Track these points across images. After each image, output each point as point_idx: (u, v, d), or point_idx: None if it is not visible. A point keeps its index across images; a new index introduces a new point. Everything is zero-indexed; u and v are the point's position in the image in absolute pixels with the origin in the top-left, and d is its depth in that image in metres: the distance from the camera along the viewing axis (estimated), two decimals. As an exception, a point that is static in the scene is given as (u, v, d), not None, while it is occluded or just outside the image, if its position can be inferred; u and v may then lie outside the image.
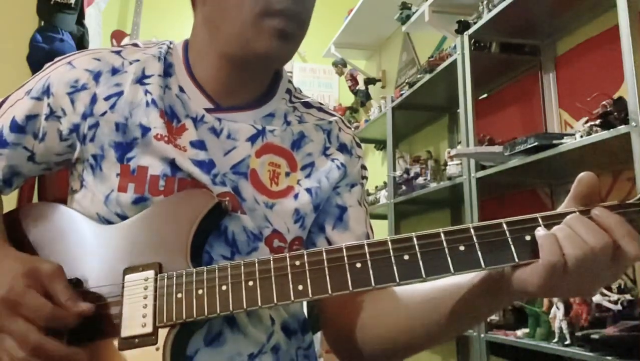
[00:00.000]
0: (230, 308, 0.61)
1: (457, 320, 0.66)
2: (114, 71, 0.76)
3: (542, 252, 0.54)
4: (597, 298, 1.51)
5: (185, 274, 0.64)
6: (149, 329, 0.62)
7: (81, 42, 2.88)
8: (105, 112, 0.73)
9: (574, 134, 1.62)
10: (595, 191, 0.57)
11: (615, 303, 1.50)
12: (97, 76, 0.75)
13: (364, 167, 0.87)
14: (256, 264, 0.62)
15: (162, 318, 0.62)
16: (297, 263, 0.61)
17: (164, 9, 3.93)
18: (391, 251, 0.59)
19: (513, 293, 0.58)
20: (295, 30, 0.73)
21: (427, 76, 2.49)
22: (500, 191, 2.32)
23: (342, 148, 0.84)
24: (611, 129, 1.44)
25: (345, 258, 0.60)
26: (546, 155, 1.66)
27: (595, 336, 1.45)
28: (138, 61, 0.77)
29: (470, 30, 2.14)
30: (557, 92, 2.12)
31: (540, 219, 0.57)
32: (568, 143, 1.59)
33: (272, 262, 0.62)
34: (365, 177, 0.87)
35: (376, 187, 3.33)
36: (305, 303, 0.81)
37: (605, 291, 1.53)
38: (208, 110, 0.77)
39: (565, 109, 2.07)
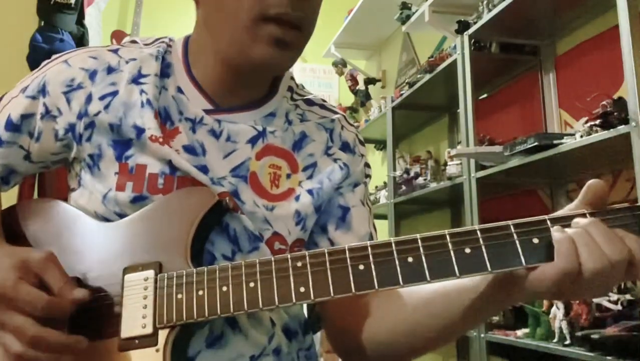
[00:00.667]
0: (231, 310, 0.60)
1: (461, 322, 0.65)
2: (110, 70, 0.75)
3: (558, 257, 0.53)
4: (597, 298, 1.51)
5: (185, 274, 0.63)
6: (149, 330, 0.62)
7: (81, 42, 2.88)
8: (99, 112, 0.72)
9: (574, 134, 1.62)
10: (604, 200, 0.56)
11: (615, 303, 1.50)
12: (92, 75, 0.74)
13: (367, 165, 0.85)
14: (257, 265, 0.61)
15: (162, 319, 0.62)
16: (299, 264, 0.60)
17: (164, 9, 3.92)
18: (395, 252, 0.57)
19: (522, 295, 0.57)
20: (293, 38, 0.70)
21: (427, 76, 2.49)
22: (500, 191, 2.32)
23: (345, 147, 0.83)
24: (611, 129, 1.44)
25: (348, 260, 0.58)
26: (546, 155, 1.66)
27: (595, 336, 1.45)
28: (135, 59, 0.76)
29: (470, 30, 2.14)
30: (557, 92, 2.12)
31: (548, 222, 0.55)
32: (568, 143, 1.59)
33: (273, 263, 0.61)
34: (368, 176, 0.85)
35: (376, 187, 3.33)
36: (306, 305, 0.81)
37: (606, 291, 1.53)
38: (207, 111, 0.75)
39: (565, 109, 2.07)
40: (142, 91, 0.74)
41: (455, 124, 2.81)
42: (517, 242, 0.55)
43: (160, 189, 0.70)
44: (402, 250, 0.57)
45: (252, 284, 0.60)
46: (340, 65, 3.81)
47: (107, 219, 0.71)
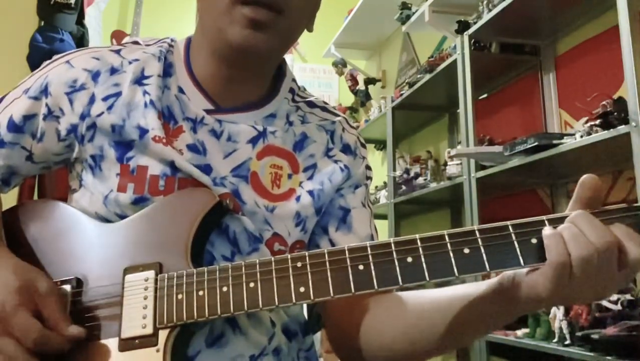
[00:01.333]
0: (231, 310, 0.60)
1: (465, 330, 0.65)
2: (113, 71, 0.75)
3: (548, 252, 0.54)
4: (599, 299, 1.51)
5: (185, 274, 0.63)
6: (149, 330, 0.62)
7: (81, 42, 2.88)
8: (101, 113, 0.73)
9: (574, 134, 1.62)
10: (599, 194, 0.56)
11: (615, 303, 1.50)
12: (95, 76, 0.74)
13: (368, 167, 0.86)
14: (257, 266, 0.61)
15: (163, 319, 0.62)
16: (299, 264, 0.60)
17: (164, 9, 3.93)
18: (394, 253, 0.58)
19: (524, 300, 0.57)
20: (270, 19, 0.69)
21: (427, 76, 2.49)
22: (500, 191, 2.32)
23: (346, 149, 0.83)
24: (611, 129, 1.44)
25: (348, 260, 0.59)
26: (546, 155, 1.66)
27: (595, 336, 1.45)
28: (137, 60, 0.76)
29: (470, 30, 2.14)
30: (557, 92, 2.12)
31: (547, 222, 0.56)
32: (568, 143, 1.59)
33: (273, 263, 0.61)
34: (369, 178, 0.85)
35: (376, 187, 3.33)
36: (305, 304, 0.81)
37: (605, 291, 1.53)
38: (208, 111, 0.75)
39: (565, 109, 2.07)
40: (145, 92, 0.74)
41: (455, 124, 2.81)
42: (515, 242, 0.55)
43: (161, 191, 0.70)
44: (402, 250, 0.58)
45: (252, 285, 0.61)
46: (340, 65, 3.82)
47: (107, 220, 0.71)
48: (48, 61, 0.78)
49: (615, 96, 1.53)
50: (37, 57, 2.59)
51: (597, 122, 1.52)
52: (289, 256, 0.61)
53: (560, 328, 1.61)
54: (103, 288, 0.66)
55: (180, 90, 0.76)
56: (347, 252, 0.59)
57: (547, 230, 0.55)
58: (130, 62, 0.76)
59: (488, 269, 0.55)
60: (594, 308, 1.53)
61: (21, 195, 1.02)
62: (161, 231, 0.68)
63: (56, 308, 0.63)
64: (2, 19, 2.72)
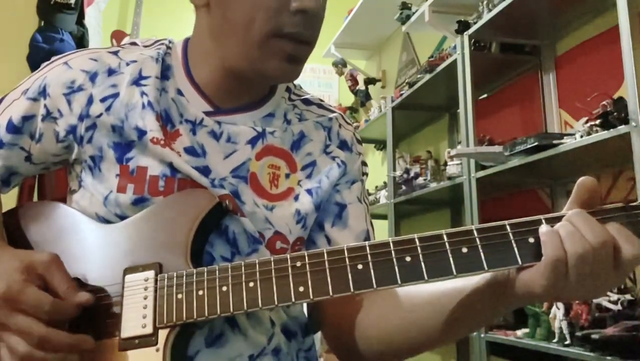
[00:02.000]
0: (231, 309, 0.60)
1: (459, 324, 0.66)
2: (110, 72, 0.75)
3: (544, 249, 0.54)
4: (596, 298, 1.51)
5: (185, 274, 0.64)
6: (149, 330, 0.62)
7: (81, 42, 2.88)
8: (101, 114, 0.73)
9: (574, 134, 1.62)
10: (596, 196, 0.56)
11: (615, 303, 1.50)
12: (93, 77, 0.75)
13: (364, 163, 0.86)
14: (257, 265, 0.62)
15: (163, 318, 0.62)
16: (298, 264, 0.60)
17: (164, 9, 3.93)
18: (393, 252, 0.58)
19: (519, 296, 0.57)
20: (304, 53, 0.73)
21: (427, 76, 2.49)
22: (500, 191, 2.32)
23: (343, 145, 0.83)
24: (611, 129, 1.44)
25: (347, 259, 0.59)
26: (546, 155, 1.66)
27: (595, 336, 1.45)
28: (135, 61, 0.76)
29: (470, 30, 2.14)
30: (557, 92, 2.12)
31: (544, 221, 0.56)
32: (568, 143, 1.59)
33: (272, 263, 0.61)
34: (365, 174, 0.86)
35: (376, 187, 3.33)
36: (305, 305, 0.81)
37: (605, 291, 1.53)
38: (207, 113, 0.76)
39: (565, 109, 2.07)
40: (142, 93, 0.74)
41: (455, 124, 2.81)
42: (513, 241, 0.56)
43: (161, 192, 0.71)
44: (400, 250, 0.58)
45: (251, 284, 0.61)
46: (340, 65, 3.81)
47: (107, 221, 0.71)
48: (46, 63, 0.78)
49: (615, 96, 1.53)
50: (37, 57, 2.59)
51: (597, 122, 1.52)
52: (288, 256, 0.61)
53: (560, 328, 1.61)
54: (103, 288, 0.67)
55: (179, 92, 0.77)
56: (346, 252, 0.60)
57: (543, 228, 0.55)
58: (127, 64, 0.76)
59: (486, 268, 0.56)
60: (594, 308, 1.53)
61: (21, 195, 1.02)
62: (161, 232, 0.68)
63: (62, 278, 0.63)
64: (2, 19, 2.72)
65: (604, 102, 1.51)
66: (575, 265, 0.53)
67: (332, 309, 0.77)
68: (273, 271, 0.61)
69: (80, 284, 0.67)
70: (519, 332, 1.83)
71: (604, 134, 1.46)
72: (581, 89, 1.95)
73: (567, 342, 1.58)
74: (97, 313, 0.65)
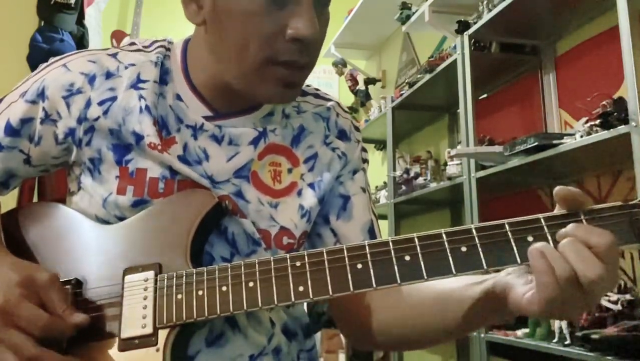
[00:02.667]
0: (231, 309, 0.60)
1: (455, 330, 0.68)
2: (109, 75, 0.75)
3: (535, 276, 0.54)
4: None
5: (185, 274, 0.64)
6: (149, 330, 0.62)
7: (81, 42, 2.88)
8: (98, 118, 0.72)
9: (574, 134, 1.62)
10: (577, 201, 0.56)
11: (615, 303, 1.50)
12: (91, 80, 0.74)
13: (364, 150, 0.86)
14: (256, 265, 0.62)
15: (162, 318, 0.62)
16: (298, 263, 0.61)
17: (164, 9, 3.92)
18: (392, 251, 0.58)
19: (514, 311, 0.58)
20: (300, 78, 0.72)
21: (427, 76, 2.49)
22: (500, 191, 2.32)
23: (342, 135, 0.83)
24: (611, 129, 1.44)
25: (346, 259, 0.59)
26: (546, 155, 1.66)
27: (595, 336, 1.45)
28: (134, 65, 0.76)
29: (470, 30, 2.14)
30: (557, 92, 2.12)
31: (542, 220, 0.56)
32: (568, 143, 1.59)
33: (272, 263, 0.61)
34: (366, 161, 0.86)
35: (376, 187, 3.33)
36: (305, 305, 0.82)
37: (606, 291, 1.53)
38: (207, 118, 0.75)
39: (565, 109, 2.07)
40: (140, 97, 0.73)
41: (455, 124, 2.81)
42: (512, 240, 0.56)
43: (161, 193, 0.71)
44: (400, 249, 0.58)
45: (251, 284, 0.61)
46: (340, 65, 3.81)
47: (107, 222, 0.71)
48: (44, 64, 0.78)
49: (615, 96, 1.53)
50: (37, 57, 2.59)
51: (597, 122, 1.52)
52: (287, 256, 0.61)
53: (560, 328, 1.61)
54: (103, 289, 0.67)
55: (178, 97, 0.76)
56: (345, 251, 0.60)
57: (534, 252, 0.54)
58: (126, 67, 0.76)
59: (485, 267, 0.56)
60: (594, 308, 1.53)
61: (21, 196, 1.02)
62: (161, 232, 0.68)
63: (59, 297, 0.63)
64: (2, 19, 2.72)
65: (604, 102, 1.51)
66: (566, 288, 0.52)
67: (342, 305, 0.79)
68: (273, 270, 0.61)
69: (79, 284, 0.67)
70: (519, 332, 1.83)
71: (604, 134, 1.46)
72: (581, 89, 1.95)
73: (567, 342, 1.58)
74: (96, 314, 0.65)
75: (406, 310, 0.71)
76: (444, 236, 0.58)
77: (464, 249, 0.57)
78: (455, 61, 2.23)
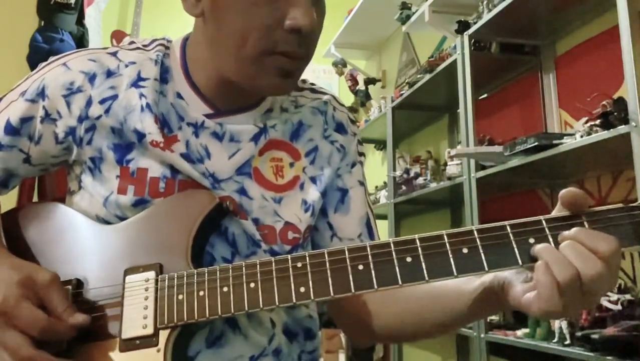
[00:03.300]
0: (232, 310, 0.60)
1: (453, 324, 0.69)
2: (109, 74, 0.75)
3: (539, 300, 0.54)
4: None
5: (186, 275, 0.64)
6: (150, 330, 0.62)
7: (81, 42, 2.88)
8: (100, 116, 0.72)
9: (574, 134, 1.62)
10: (583, 205, 0.56)
11: (615, 303, 1.50)
12: (92, 78, 0.74)
13: (360, 142, 0.87)
14: (258, 266, 0.62)
15: (163, 319, 0.62)
16: (299, 264, 0.60)
17: (164, 9, 3.92)
18: (394, 253, 0.58)
19: (512, 307, 0.58)
20: (298, 68, 0.72)
21: (427, 76, 2.49)
22: (500, 191, 2.32)
23: (340, 128, 0.84)
24: (611, 129, 1.44)
25: (348, 260, 0.59)
26: (546, 155, 1.66)
27: (595, 336, 1.45)
28: (134, 63, 0.76)
29: (470, 30, 2.14)
30: (557, 92, 2.12)
31: (544, 222, 0.56)
32: (568, 143, 1.59)
33: (273, 263, 0.61)
34: (362, 154, 0.87)
35: (376, 187, 3.33)
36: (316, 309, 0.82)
37: (606, 291, 1.53)
38: (207, 115, 0.76)
39: (565, 109, 2.07)
40: (141, 95, 0.73)
41: (455, 124, 2.81)
42: (513, 242, 0.56)
43: (161, 193, 0.71)
44: (401, 250, 0.58)
45: (252, 285, 0.61)
46: (340, 65, 3.81)
47: (107, 222, 0.71)
48: (44, 63, 0.78)
49: (615, 96, 1.53)
50: (37, 57, 2.59)
51: (597, 122, 1.52)
52: (289, 257, 0.61)
53: (560, 328, 1.61)
54: (104, 289, 0.67)
55: (178, 96, 0.76)
56: (347, 252, 0.60)
57: (536, 252, 0.54)
58: (126, 65, 0.76)
59: (486, 269, 0.56)
60: (594, 308, 1.53)
61: (21, 195, 1.02)
62: (161, 233, 0.68)
63: (59, 297, 0.63)
64: (2, 19, 2.72)
65: (604, 102, 1.51)
66: (566, 288, 0.52)
67: (340, 303, 0.80)
68: (274, 271, 0.61)
69: (79, 285, 0.67)
70: (519, 332, 1.83)
71: (604, 134, 1.46)
72: (581, 89, 1.95)
73: (567, 342, 1.58)
74: (97, 314, 0.65)
75: (404, 305, 0.72)
76: (445, 237, 0.58)
77: (465, 250, 0.57)
78: (455, 61, 2.23)
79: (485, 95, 2.53)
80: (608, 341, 1.42)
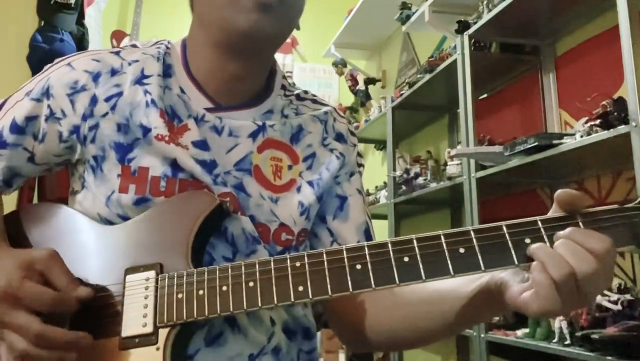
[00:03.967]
0: (231, 309, 0.61)
1: (450, 328, 0.69)
2: (113, 72, 0.76)
3: (538, 299, 0.54)
4: (597, 298, 1.51)
5: (186, 274, 0.64)
6: (149, 329, 0.62)
7: (81, 42, 2.88)
8: (106, 113, 0.74)
9: (574, 134, 1.62)
10: (579, 205, 0.56)
11: (615, 303, 1.50)
12: (96, 77, 0.75)
13: (359, 154, 0.89)
14: (257, 265, 0.62)
15: (163, 318, 0.63)
16: (298, 264, 0.61)
17: (164, 9, 3.93)
18: (391, 252, 0.59)
19: (510, 308, 0.59)
20: (274, 2, 0.70)
21: (427, 76, 2.49)
22: (500, 191, 2.32)
23: (339, 138, 0.85)
24: (611, 129, 1.44)
25: (346, 260, 0.60)
26: (546, 155, 1.66)
27: (595, 336, 1.45)
28: (137, 61, 0.78)
29: (470, 30, 2.14)
30: (557, 92, 2.12)
31: (539, 222, 0.57)
32: (568, 143, 1.59)
33: (272, 263, 0.62)
34: (361, 165, 0.88)
35: (376, 187, 3.33)
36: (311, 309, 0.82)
37: (605, 291, 1.53)
38: (208, 109, 0.77)
39: (565, 109, 2.07)
40: (146, 91, 0.75)
41: (455, 124, 2.81)
42: (509, 242, 0.56)
43: (162, 192, 0.71)
44: (398, 250, 0.59)
45: (251, 284, 0.61)
46: (340, 65, 3.82)
47: (109, 221, 0.72)
48: (50, 64, 0.79)
49: (615, 96, 1.53)
50: (37, 57, 2.59)
51: (597, 122, 1.52)
52: (288, 256, 0.62)
53: (560, 328, 1.61)
54: (104, 288, 0.67)
55: (181, 90, 0.78)
56: (345, 252, 0.60)
57: (531, 251, 0.55)
58: (130, 63, 0.77)
59: (483, 269, 0.57)
60: (594, 308, 1.54)
61: (21, 196, 1.02)
62: (162, 233, 0.68)
63: (61, 272, 0.64)
64: (2, 19, 2.72)
65: (604, 102, 1.51)
66: (561, 286, 0.53)
67: (336, 306, 0.79)
68: (273, 271, 0.61)
69: (81, 284, 0.67)
70: (519, 332, 1.83)
71: (604, 134, 1.46)
72: (581, 89, 1.95)
73: (567, 342, 1.58)
74: (97, 313, 0.65)
75: (402, 310, 0.72)
76: (442, 237, 0.58)
77: (462, 250, 0.57)
78: (455, 61, 2.23)
79: (485, 95, 2.54)
80: (608, 341, 1.42)
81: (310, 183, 0.79)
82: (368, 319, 0.75)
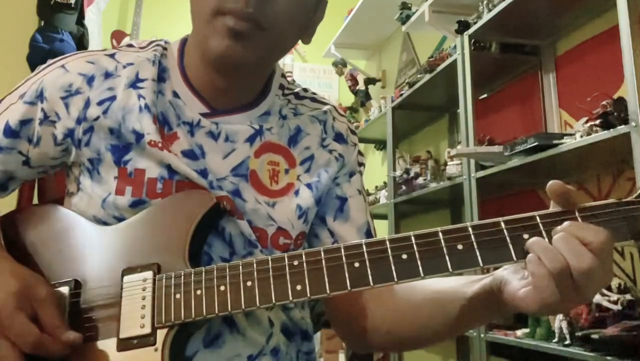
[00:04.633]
0: (229, 309, 0.60)
1: (452, 329, 0.69)
2: (107, 75, 0.75)
3: (535, 291, 0.54)
4: (597, 298, 1.51)
5: (183, 275, 0.64)
6: (147, 330, 0.62)
7: (81, 42, 2.88)
8: (98, 117, 0.73)
9: (574, 134, 1.62)
10: (569, 196, 0.57)
11: (615, 303, 1.49)
12: (90, 80, 0.74)
13: (360, 153, 0.87)
14: (254, 265, 0.62)
15: (161, 318, 0.62)
16: (296, 262, 0.61)
17: (164, 9, 3.92)
18: (389, 250, 0.59)
19: (511, 309, 0.59)
20: (249, 31, 0.68)
21: (427, 76, 2.49)
22: (500, 191, 2.32)
23: (339, 138, 0.84)
24: (611, 129, 1.44)
25: (344, 258, 0.59)
26: (546, 155, 1.65)
27: (595, 336, 1.45)
28: (132, 64, 0.76)
29: (470, 30, 2.14)
30: (557, 92, 2.12)
31: (538, 217, 0.57)
32: (568, 143, 1.59)
33: (270, 262, 0.61)
34: (362, 165, 0.87)
35: (376, 187, 3.33)
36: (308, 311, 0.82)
37: (605, 291, 1.53)
38: (204, 115, 0.76)
39: (565, 109, 2.07)
40: (139, 96, 0.74)
41: (455, 124, 2.81)
42: (507, 238, 0.56)
43: (159, 194, 0.71)
44: (396, 247, 0.59)
45: (249, 283, 0.61)
46: (340, 65, 3.82)
47: (105, 223, 0.71)
48: (43, 65, 0.78)
49: (615, 96, 1.53)
50: (37, 57, 2.59)
51: (597, 122, 1.51)
52: (285, 255, 0.61)
53: (560, 328, 1.61)
54: (101, 289, 0.67)
55: (175, 94, 0.76)
56: (342, 250, 0.60)
57: (529, 246, 0.55)
58: (124, 67, 0.76)
59: (481, 265, 0.56)
60: (594, 308, 1.53)
61: (21, 196, 1.02)
62: (159, 233, 0.68)
63: (54, 314, 0.63)
64: (2, 19, 2.72)
65: (604, 102, 1.51)
66: (558, 281, 0.53)
67: (343, 302, 0.79)
68: (270, 270, 0.61)
69: (78, 285, 0.67)
70: (519, 332, 1.82)
71: (604, 134, 1.46)
72: (581, 89, 1.95)
73: (567, 342, 1.58)
74: (95, 314, 0.65)
75: (403, 310, 0.72)
76: (440, 234, 0.58)
77: (460, 247, 0.57)
78: (455, 61, 2.23)
79: (485, 95, 2.53)
80: (608, 341, 1.42)
81: (308, 186, 0.78)
82: (370, 319, 0.75)
